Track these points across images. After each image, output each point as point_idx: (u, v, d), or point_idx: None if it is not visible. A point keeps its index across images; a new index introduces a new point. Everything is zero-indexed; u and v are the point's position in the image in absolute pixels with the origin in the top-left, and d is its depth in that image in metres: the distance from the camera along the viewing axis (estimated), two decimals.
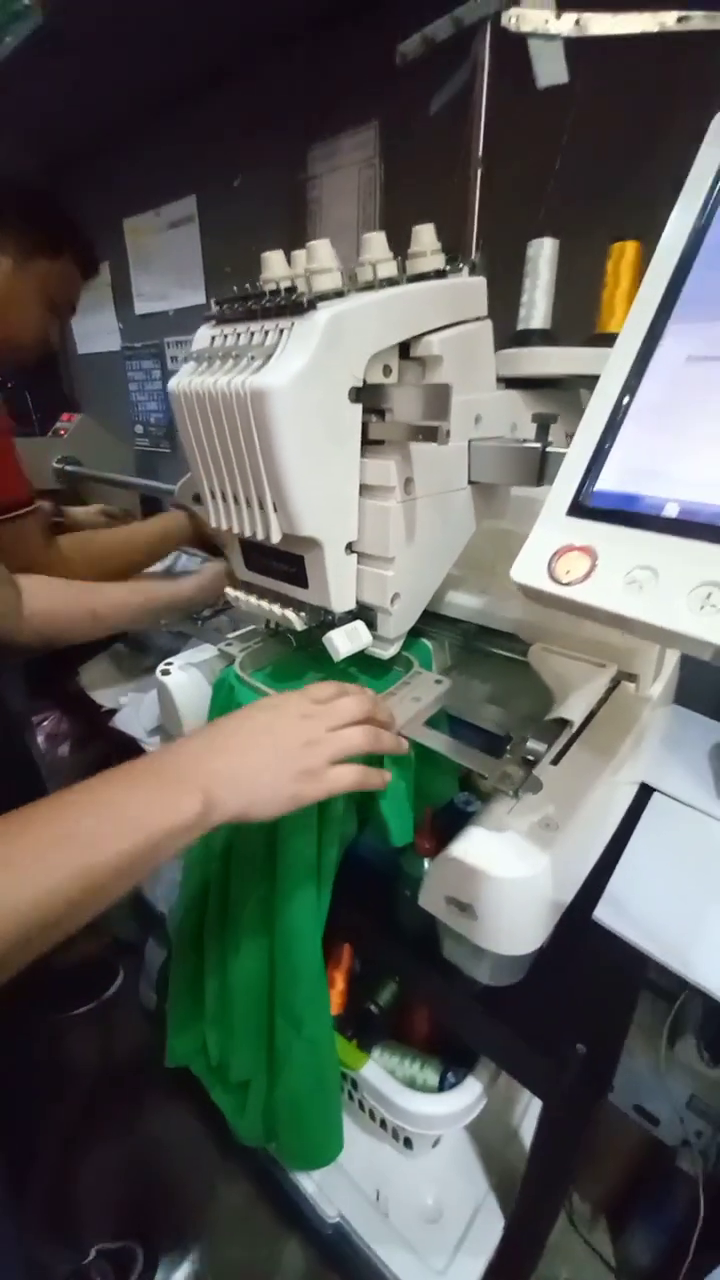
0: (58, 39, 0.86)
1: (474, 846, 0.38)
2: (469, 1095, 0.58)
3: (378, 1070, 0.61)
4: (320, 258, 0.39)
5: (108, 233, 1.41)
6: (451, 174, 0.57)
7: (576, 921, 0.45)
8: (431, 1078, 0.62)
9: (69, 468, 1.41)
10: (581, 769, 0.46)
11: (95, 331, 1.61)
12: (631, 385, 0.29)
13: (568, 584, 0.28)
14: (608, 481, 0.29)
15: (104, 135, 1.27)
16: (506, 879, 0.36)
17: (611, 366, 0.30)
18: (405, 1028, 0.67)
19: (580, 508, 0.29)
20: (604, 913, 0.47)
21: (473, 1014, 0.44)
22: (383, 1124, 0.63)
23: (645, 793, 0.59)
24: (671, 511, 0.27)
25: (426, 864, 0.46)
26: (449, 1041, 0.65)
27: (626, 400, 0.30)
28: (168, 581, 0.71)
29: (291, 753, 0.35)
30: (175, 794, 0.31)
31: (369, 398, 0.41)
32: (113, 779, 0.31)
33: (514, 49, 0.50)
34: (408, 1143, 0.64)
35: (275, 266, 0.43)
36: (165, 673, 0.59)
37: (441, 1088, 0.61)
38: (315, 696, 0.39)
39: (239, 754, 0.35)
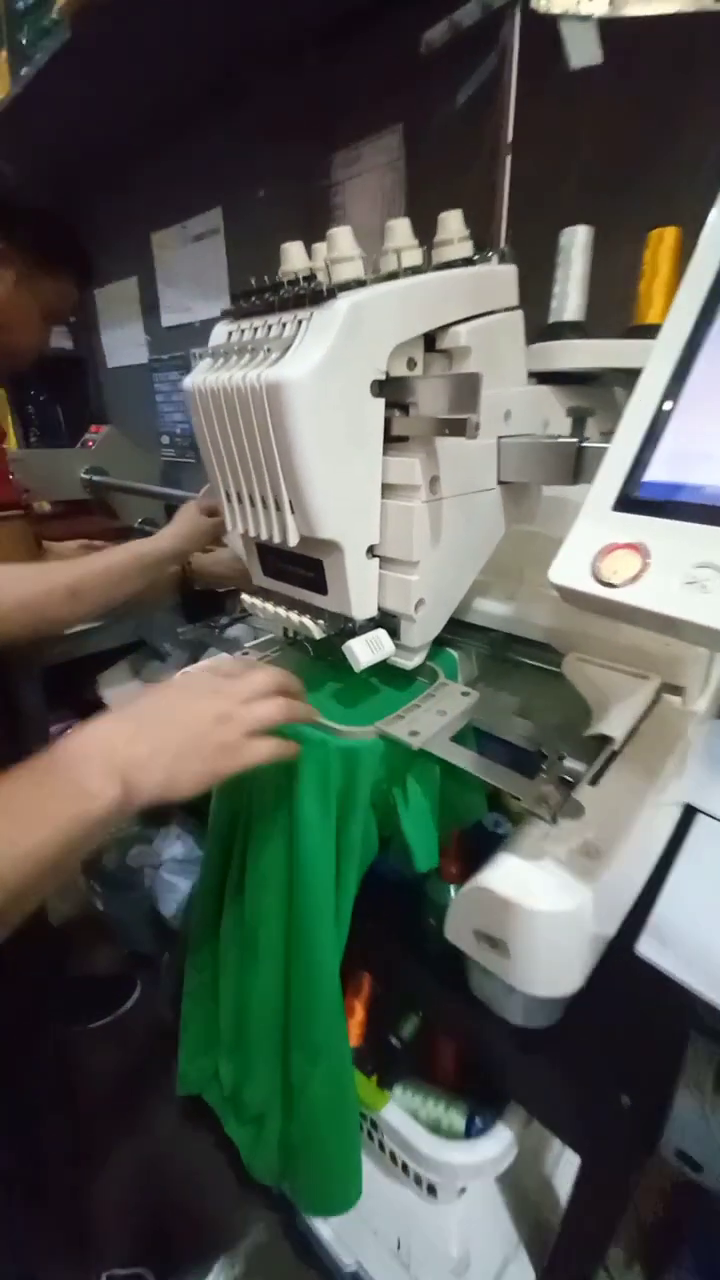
0: (84, 55, 0.88)
1: (505, 875, 0.34)
2: (499, 1144, 0.53)
3: (399, 1112, 0.57)
4: (341, 246, 0.38)
5: (136, 247, 1.43)
6: (478, 168, 0.55)
7: (617, 955, 0.41)
8: (458, 1121, 0.57)
9: (95, 478, 1.42)
10: (623, 789, 0.43)
11: (124, 345, 1.64)
12: (686, 362, 0.26)
13: (615, 585, 0.25)
14: (659, 471, 0.26)
15: (131, 151, 1.29)
16: (544, 913, 0.33)
17: (662, 343, 0.27)
18: (429, 1064, 0.62)
19: (628, 501, 0.26)
20: (647, 946, 0.43)
21: (505, 1059, 0.41)
22: (404, 1168, 0.59)
23: (688, 815, 0.54)
24: None
25: (453, 890, 0.43)
26: (477, 1080, 0.60)
27: (680, 379, 0.27)
28: (142, 539, 0.68)
29: (206, 729, 0.35)
30: (91, 783, 0.30)
31: (392, 391, 0.38)
32: (22, 777, 0.30)
33: (541, 32, 0.48)
34: (431, 1190, 0.59)
35: (294, 258, 0.41)
36: None
37: (469, 1132, 0.56)
38: (225, 672, 0.40)
39: (153, 734, 0.34)
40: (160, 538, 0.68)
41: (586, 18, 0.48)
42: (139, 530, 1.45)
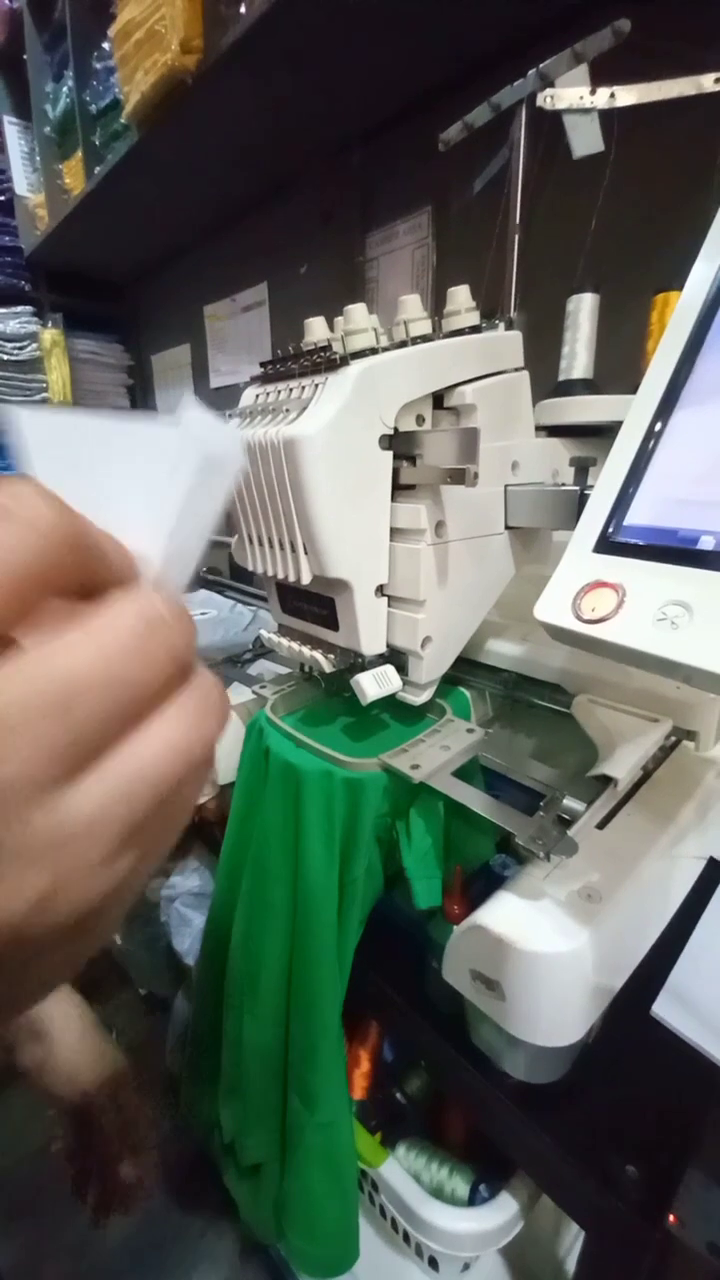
0: (151, 156, 1.00)
1: (501, 913, 0.34)
2: (502, 1214, 0.49)
3: (400, 1172, 0.54)
4: (356, 320, 0.42)
5: (189, 319, 1.57)
6: (495, 243, 0.60)
7: (631, 1016, 0.39)
8: (461, 1188, 0.54)
9: None
10: (633, 835, 0.42)
11: (177, 405, 1.78)
12: (664, 414, 0.28)
13: (592, 621, 0.26)
14: (639, 515, 0.28)
15: (188, 235, 1.44)
16: (536, 954, 0.32)
17: (642, 396, 0.29)
18: (436, 1124, 0.59)
19: (607, 543, 0.28)
20: (664, 1008, 0.41)
21: (505, 1116, 0.39)
22: (405, 1237, 0.55)
23: (715, 870, 0.52)
24: (708, 544, 0.25)
25: (452, 933, 0.43)
26: (485, 1148, 0.57)
27: (659, 430, 0.28)
28: None
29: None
30: None
31: (400, 444, 0.41)
32: None
33: (549, 124, 0.53)
34: (433, 1262, 0.55)
35: (317, 330, 0.45)
36: None
37: (472, 1201, 0.53)
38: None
39: None
40: None
41: (589, 110, 0.53)
42: (201, 577, 1.52)
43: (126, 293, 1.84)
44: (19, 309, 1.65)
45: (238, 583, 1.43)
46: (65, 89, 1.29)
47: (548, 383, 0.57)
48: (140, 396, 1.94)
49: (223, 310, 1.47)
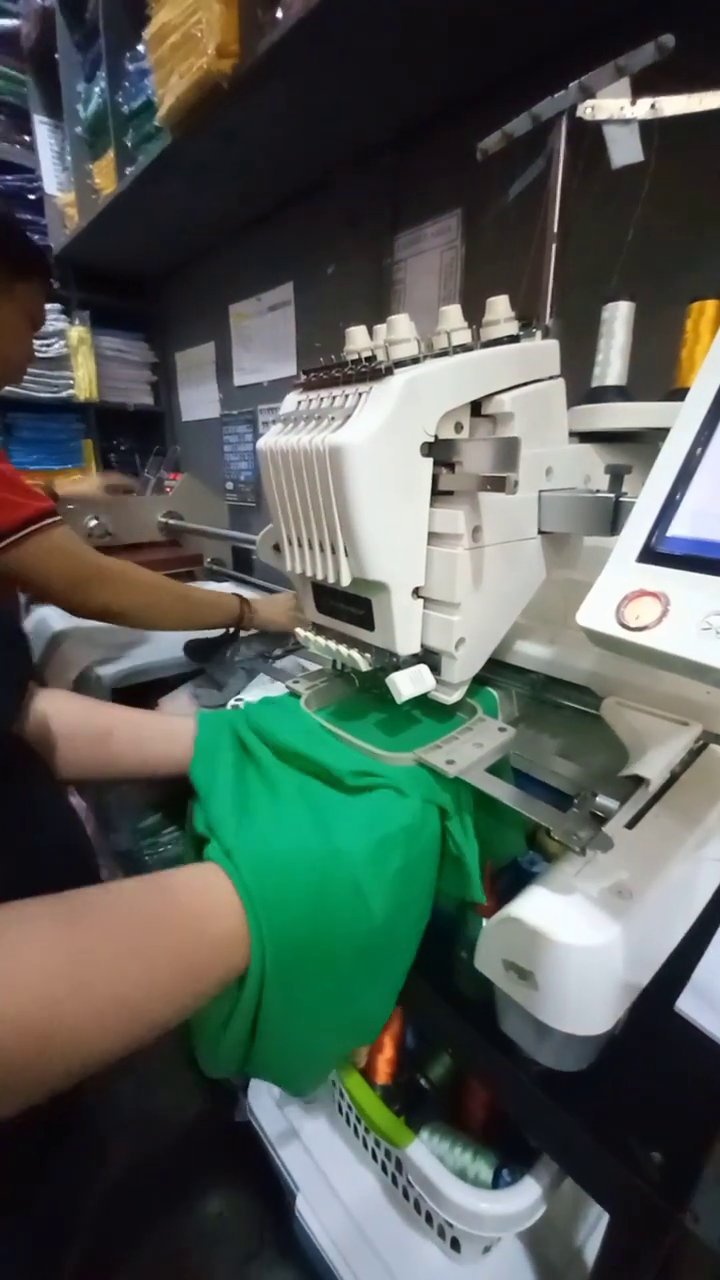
0: (183, 159, 1.02)
1: (536, 907, 0.36)
2: (525, 1197, 0.51)
3: (425, 1153, 0.56)
4: (399, 330, 0.43)
5: (215, 317, 1.59)
6: (529, 251, 0.61)
7: (656, 1011, 0.41)
8: (485, 1172, 0.55)
9: (171, 521, 1.54)
10: (661, 836, 0.43)
11: (199, 402, 1.80)
12: (709, 428, 0.29)
13: (638, 629, 0.27)
14: (681, 527, 0.29)
15: (216, 234, 1.45)
16: (572, 946, 0.34)
17: (688, 409, 0.30)
18: (459, 1110, 0.61)
19: (651, 553, 0.29)
20: (688, 1004, 0.42)
21: (532, 1100, 0.40)
22: (428, 1219, 0.57)
23: None
24: None
25: (485, 924, 0.44)
26: (507, 1134, 0.58)
27: (703, 444, 0.29)
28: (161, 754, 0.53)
29: None
30: None
31: (440, 452, 0.43)
32: None
33: (589, 134, 0.54)
34: (455, 1244, 0.57)
35: (358, 339, 0.47)
36: (236, 707, 0.61)
37: (496, 1185, 0.54)
38: None
39: None
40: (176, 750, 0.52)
41: (629, 121, 0.54)
42: (206, 568, 1.55)
43: (153, 291, 1.86)
44: (47, 306, 1.67)
45: (240, 573, 1.46)
46: (97, 89, 1.31)
47: (581, 388, 0.58)
48: (163, 392, 1.96)
49: (248, 309, 1.49)
